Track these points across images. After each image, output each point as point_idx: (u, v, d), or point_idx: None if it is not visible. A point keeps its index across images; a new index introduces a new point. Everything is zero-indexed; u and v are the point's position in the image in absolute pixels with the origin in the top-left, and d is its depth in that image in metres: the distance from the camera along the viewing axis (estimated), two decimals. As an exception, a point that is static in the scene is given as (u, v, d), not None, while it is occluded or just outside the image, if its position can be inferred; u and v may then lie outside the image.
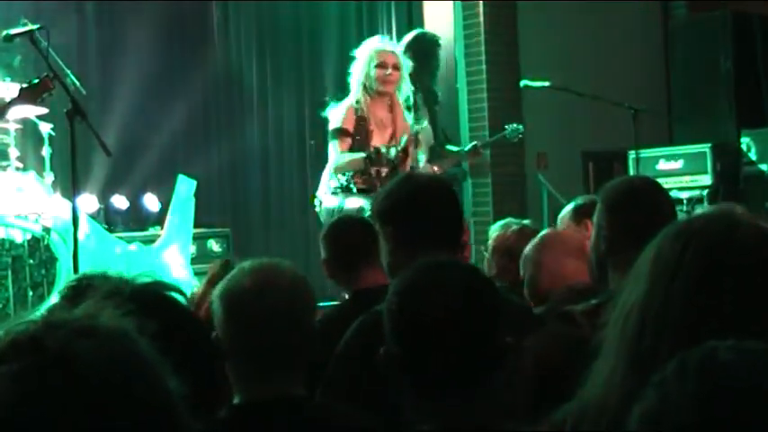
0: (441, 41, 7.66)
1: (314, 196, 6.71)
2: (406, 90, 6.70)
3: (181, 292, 2.00)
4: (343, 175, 6.48)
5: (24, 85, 5.52)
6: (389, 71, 6.50)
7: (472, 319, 2.22)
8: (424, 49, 7.46)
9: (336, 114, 6.57)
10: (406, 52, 7.06)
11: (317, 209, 6.64)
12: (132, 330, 1.19)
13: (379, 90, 6.54)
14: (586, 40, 9.25)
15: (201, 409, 1.72)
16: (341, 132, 6.50)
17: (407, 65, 6.69)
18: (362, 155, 6.38)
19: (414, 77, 6.91)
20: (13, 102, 5.62)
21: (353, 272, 3.98)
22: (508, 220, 5.06)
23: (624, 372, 1.58)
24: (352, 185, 6.47)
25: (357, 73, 6.59)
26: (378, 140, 6.52)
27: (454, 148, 7.59)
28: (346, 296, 4.08)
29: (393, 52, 6.62)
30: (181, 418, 1.18)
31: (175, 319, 1.88)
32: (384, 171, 6.53)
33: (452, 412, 2.20)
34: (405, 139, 6.61)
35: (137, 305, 1.34)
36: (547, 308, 3.42)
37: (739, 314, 1.53)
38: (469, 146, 7.40)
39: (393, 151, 6.40)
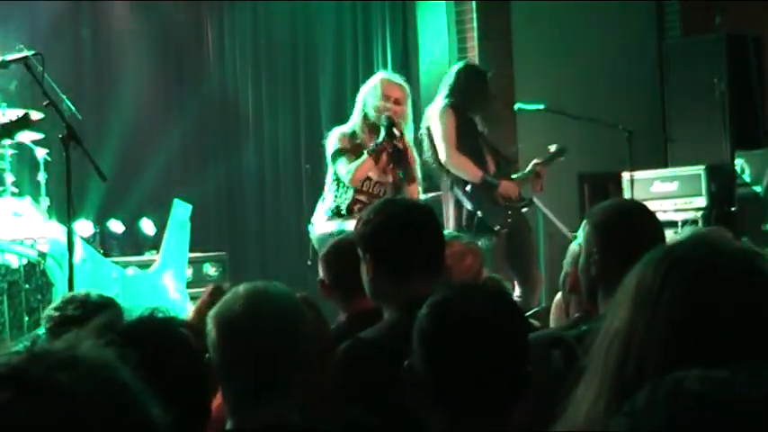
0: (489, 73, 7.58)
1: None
2: (409, 123, 6.72)
3: (180, 322, 2.02)
4: (342, 197, 6.53)
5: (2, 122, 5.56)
6: (390, 104, 6.51)
7: (499, 343, 2.25)
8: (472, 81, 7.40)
9: (333, 139, 6.61)
10: (454, 83, 7.15)
11: (311, 235, 6.67)
12: (113, 360, 1.19)
13: (375, 121, 6.54)
14: (581, 63, 9.28)
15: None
16: (343, 151, 6.53)
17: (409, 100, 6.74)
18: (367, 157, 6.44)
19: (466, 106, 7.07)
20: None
21: (351, 294, 3.98)
22: None
23: (607, 399, 1.58)
24: (344, 210, 6.51)
25: (360, 101, 6.62)
26: (372, 169, 6.57)
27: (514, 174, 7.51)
28: (342, 318, 4.08)
29: (399, 86, 6.64)
30: None
31: (171, 347, 1.89)
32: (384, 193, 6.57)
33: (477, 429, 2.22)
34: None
35: (129, 336, 1.34)
36: (540, 333, 3.41)
37: (721, 341, 1.54)
38: (530, 168, 7.33)
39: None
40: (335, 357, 2.97)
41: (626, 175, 8.11)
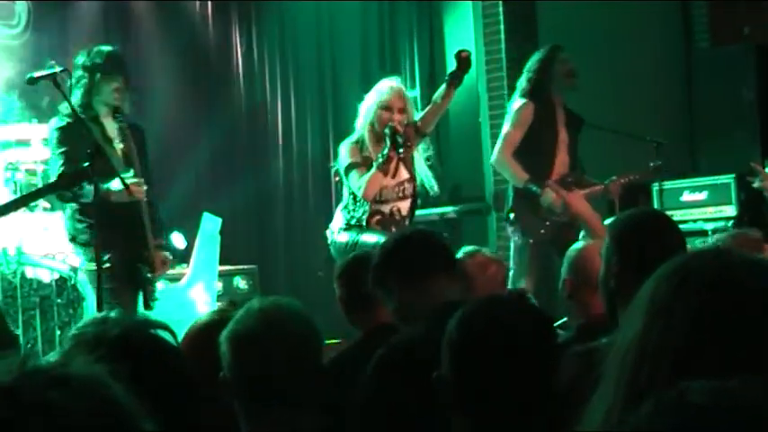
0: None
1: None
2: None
3: (170, 332, 2.03)
4: (359, 210, 6.55)
5: (65, 172, 5.61)
6: (394, 114, 6.53)
7: (527, 354, 2.25)
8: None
9: (344, 152, 6.65)
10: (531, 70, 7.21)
11: (328, 241, 6.70)
12: (104, 376, 1.20)
13: (380, 130, 6.57)
14: (608, 72, 9.25)
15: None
16: (355, 165, 6.56)
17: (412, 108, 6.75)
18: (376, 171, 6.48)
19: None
20: (48, 188, 5.71)
21: (369, 309, 3.99)
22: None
23: (620, 409, 1.59)
24: (364, 221, 6.54)
25: (364, 112, 6.65)
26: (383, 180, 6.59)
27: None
28: (359, 335, 4.08)
29: (401, 95, 6.66)
30: None
31: (160, 360, 1.90)
32: (402, 208, 6.59)
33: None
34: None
35: (119, 350, 1.35)
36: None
37: (733, 354, 1.54)
38: (607, 181, 7.29)
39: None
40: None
41: (655, 185, 8.09)
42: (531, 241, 7.08)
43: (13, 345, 5.17)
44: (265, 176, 10.16)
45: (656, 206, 7.94)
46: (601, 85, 9.14)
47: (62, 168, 5.84)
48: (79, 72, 5.99)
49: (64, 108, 5.94)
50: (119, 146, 6.04)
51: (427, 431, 2.69)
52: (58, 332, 7.08)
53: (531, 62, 7.30)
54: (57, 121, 5.96)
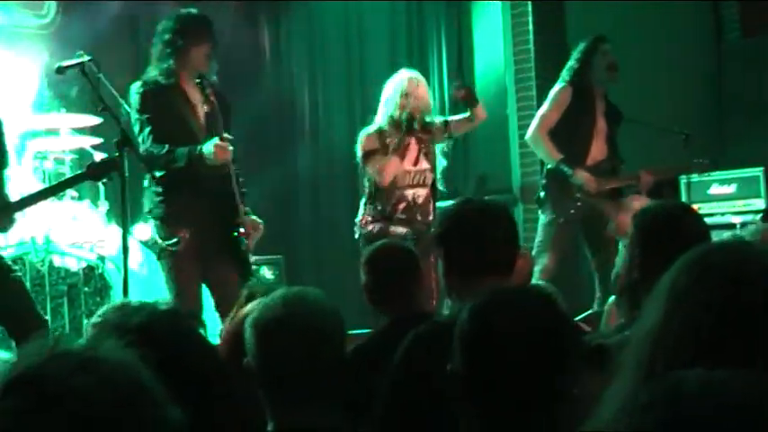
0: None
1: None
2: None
3: (197, 320, 2.03)
4: (383, 200, 6.57)
5: (94, 162, 5.61)
6: (411, 101, 6.56)
7: (541, 347, 2.25)
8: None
9: (361, 143, 6.71)
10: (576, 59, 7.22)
11: (356, 235, 6.73)
12: (133, 361, 1.21)
13: (400, 119, 6.59)
14: (637, 64, 9.21)
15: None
16: (373, 152, 6.59)
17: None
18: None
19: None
20: (77, 178, 5.71)
21: (393, 299, 4.00)
22: None
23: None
24: (387, 212, 6.56)
25: (384, 101, 6.68)
26: (399, 166, 6.61)
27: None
28: (384, 323, 4.08)
29: (419, 84, 6.69)
30: None
31: (184, 347, 1.90)
32: (421, 195, 6.61)
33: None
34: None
35: (143, 335, 1.36)
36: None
37: (748, 345, 1.54)
38: (640, 170, 7.31)
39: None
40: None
41: (683, 178, 8.05)
42: (561, 220, 7.09)
43: (41, 328, 5.20)
44: (292, 167, 10.17)
45: (683, 199, 7.92)
46: (630, 77, 9.10)
47: (150, 135, 5.83)
48: (166, 36, 5.96)
49: (152, 70, 5.95)
50: (202, 110, 6.01)
51: (447, 424, 2.69)
52: (85, 321, 7.12)
53: (576, 51, 7.35)
54: (138, 86, 5.95)
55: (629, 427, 1.16)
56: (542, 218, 7.25)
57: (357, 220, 6.75)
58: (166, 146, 5.82)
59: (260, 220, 6.22)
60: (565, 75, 7.33)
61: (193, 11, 6.13)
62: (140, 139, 5.90)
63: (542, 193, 7.19)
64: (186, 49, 5.95)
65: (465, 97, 6.70)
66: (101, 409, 1.12)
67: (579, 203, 7.09)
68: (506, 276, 3.21)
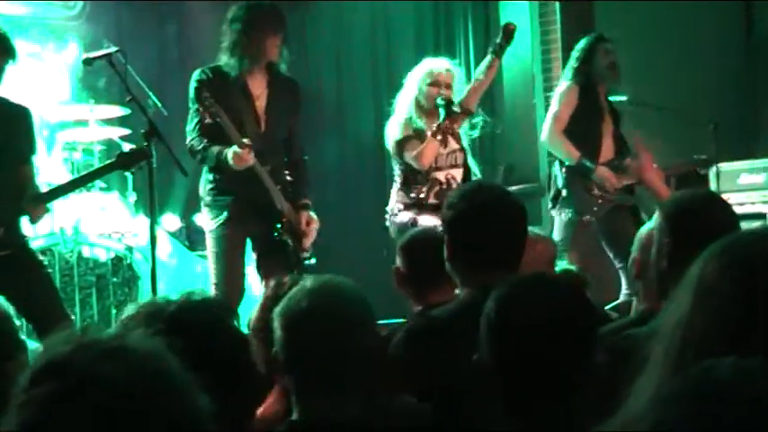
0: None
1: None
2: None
3: (228, 311, 2.04)
4: (417, 186, 6.56)
5: (123, 152, 5.62)
6: (442, 90, 6.54)
7: (565, 334, 2.24)
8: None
9: (394, 129, 6.65)
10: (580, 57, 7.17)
11: (387, 223, 6.71)
12: (161, 349, 1.21)
13: (427, 106, 6.57)
14: (666, 51, 9.17)
15: (232, 425, 1.74)
16: (408, 138, 6.57)
17: (461, 82, 6.74)
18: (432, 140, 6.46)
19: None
20: (107, 167, 5.73)
21: (423, 287, 3.99)
22: None
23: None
24: (423, 197, 6.55)
25: (410, 89, 6.65)
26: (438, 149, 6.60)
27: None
28: (415, 310, 4.08)
29: (448, 70, 6.67)
30: None
31: (214, 337, 1.91)
32: (456, 176, 6.59)
33: (537, 425, 2.22)
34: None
35: (173, 324, 1.36)
36: (610, 328, 3.37)
37: None
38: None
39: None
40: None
41: (713, 168, 8.00)
42: (585, 218, 7.05)
43: (66, 324, 5.22)
44: (319, 158, 10.16)
45: (713, 188, 7.86)
46: (661, 72, 9.06)
47: (196, 127, 5.85)
48: (237, 26, 5.92)
49: (221, 59, 5.94)
50: (262, 103, 5.99)
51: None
52: (114, 311, 7.16)
53: (576, 49, 7.29)
54: (197, 75, 5.94)
55: (661, 418, 1.15)
56: (562, 217, 7.20)
57: (388, 208, 6.73)
58: (204, 142, 5.83)
59: (314, 215, 6.20)
60: (567, 74, 7.28)
61: (266, 2, 6.08)
62: (188, 129, 5.94)
63: (564, 192, 7.11)
64: (257, 39, 5.91)
65: (508, 36, 6.61)
66: (128, 397, 1.13)
67: (601, 200, 7.06)
68: (512, 269, 3.20)
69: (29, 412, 1.11)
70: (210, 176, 5.95)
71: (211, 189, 5.95)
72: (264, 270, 5.98)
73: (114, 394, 1.12)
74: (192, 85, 5.91)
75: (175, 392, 1.18)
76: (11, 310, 3.78)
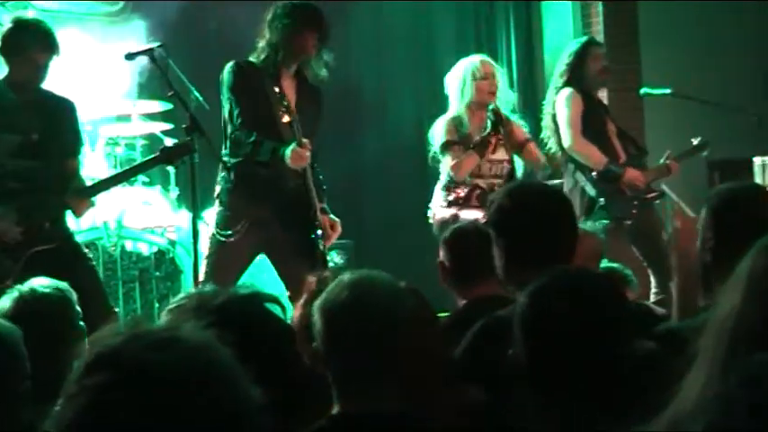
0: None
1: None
2: (508, 98, 6.79)
3: (279, 304, 2.04)
4: (459, 187, 6.54)
5: (167, 146, 5.64)
6: (490, 82, 6.52)
7: (596, 328, 2.23)
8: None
9: (440, 129, 6.63)
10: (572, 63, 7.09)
11: (430, 220, 6.71)
12: (212, 341, 1.21)
13: (480, 102, 6.55)
14: (710, 48, 9.10)
15: (282, 418, 1.74)
16: (449, 144, 6.54)
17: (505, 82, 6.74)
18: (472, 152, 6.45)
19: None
20: (150, 161, 5.75)
21: (468, 281, 3.98)
22: None
23: (717, 383, 1.57)
24: (461, 198, 6.54)
25: (456, 87, 6.63)
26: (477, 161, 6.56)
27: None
28: (460, 304, 4.08)
29: (491, 63, 6.66)
30: (260, 426, 1.21)
31: (261, 330, 1.91)
32: (496, 186, 6.56)
33: (572, 419, 2.21)
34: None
35: (221, 316, 1.36)
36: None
37: None
38: (663, 160, 7.22)
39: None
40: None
41: (757, 161, 7.93)
42: (628, 223, 6.97)
43: (111, 318, 5.27)
44: (360, 152, 10.18)
45: (757, 181, 7.79)
46: (703, 55, 8.99)
47: (240, 118, 5.73)
48: (275, 23, 5.88)
49: (257, 55, 5.90)
50: (290, 106, 5.86)
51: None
52: (157, 305, 7.19)
53: (567, 55, 7.20)
54: (232, 65, 5.88)
55: (712, 414, 1.14)
56: (597, 225, 7.08)
57: (431, 204, 6.73)
58: (254, 134, 5.72)
59: (337, 219, 6.15)
60: (558, 81, 7.17)
61: (305, 1, 6.03)
62: (229, 119, 5.83)
63: (601, 200, 7.00)
64: (294, 33, 5.85)
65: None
66: (181, 388, 1.13)
67: (636, 202, 7.00)
68: (567, 262, 3.17)
69: (82, 402, 1.12)
70: (229, 176, 5.76)
71: (229, 190, 5.80)
72: (292, 273, 5.77)
73: (167, 384, 1.13)
74: (229, 74, 5.82)
75: (228, 383, 1.18)
76: (74, 296, 3.81)
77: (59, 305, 3.67)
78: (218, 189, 5.89)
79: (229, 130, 5.80)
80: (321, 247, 5.93)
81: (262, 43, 5.91)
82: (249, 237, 5.79)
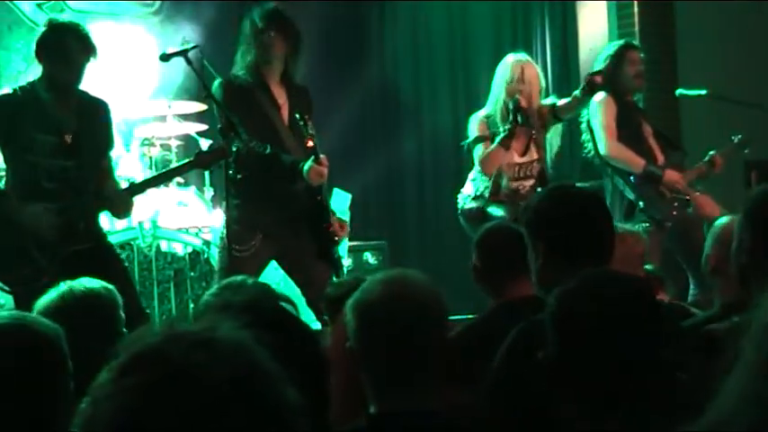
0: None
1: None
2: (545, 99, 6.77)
3: (291, 303, 2.05)
4: (485, 183, 6.54)
5: (202, 150, 5.65)
6: (523, 86, 6.51)
7: (626, 329, 2.22)
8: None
9: (472, 125, 6.66)
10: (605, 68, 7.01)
11: (459, 206, 6.72)
12: (250, 341, 1.21)
13: (509, 103, 6.55)
14: (746, 49, 9.04)
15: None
16: (480, 139, 6.56)
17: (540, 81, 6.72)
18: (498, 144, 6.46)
19: None
20: (186, 165, 5.75)
21: (501, 282, 3.97)
22: None
23: (758, 389, 1.55)
24: (486, 194, 6.53)
25: (494, 84, 6.65)
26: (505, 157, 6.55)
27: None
28: (491, 306, 4.07)
29: (528, 64, 6.64)
30: (299, 427, 1.20)
31: (285, 330, 1.91)
32: (526, 186, 6.55)
33: (607, 421, 2.20)
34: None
35: (257, 317, 1.36)
36: (691, 323, 3.34)
37: None
38: (707, 158, 7.18)
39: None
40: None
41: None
42: (667, 224, 6.92)
43: (143, 320, 5.28)
44: (396, 152, 10.18)
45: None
46: (740, 54, 8.93)
47: (248, 132, 5.68)
48: (247, 29, 5.91)
49: (237, 68, 5.90)
50: (287, 112, 5.92)
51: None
52: (192, 305, 7.21)
53: (603, 58, 7.14)
54: (219, 83, 5.86)
55: (753, 418, 1.13)
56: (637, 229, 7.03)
57: (462, 190, 6.75)
58: (268, 146, 5.73)
59: (345, 219, 6.19)
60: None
61: (271, 3, 6.05)
62: (235, 134, 5.66)
63: (641, 203, 6.95)
64: (261, 36, 5.85)
65: (592, 84, 6.51)
66: (220, 387, 1.13)
67: (676, 203, 6.96)
68: (606, 265, 3.15)
69: (120, 403, 1.12)
70: (236, 191, 5.70)
71: (237, 205, 5.72)
72: (310, 276, 5.76)
73: (207, 384, 1.13)
74: (222, 93, 5.77)
75: (269, 384, 1.18)
76: (120, 300, 3.82)
77: (109, 306, 3.68)
78: (227, 203, 5.81)
79: (236, 144, 5.72)
80: (335, 251, 5.93)
81: (238, 55, 5.91)
82: (263, 249, 5.82)
